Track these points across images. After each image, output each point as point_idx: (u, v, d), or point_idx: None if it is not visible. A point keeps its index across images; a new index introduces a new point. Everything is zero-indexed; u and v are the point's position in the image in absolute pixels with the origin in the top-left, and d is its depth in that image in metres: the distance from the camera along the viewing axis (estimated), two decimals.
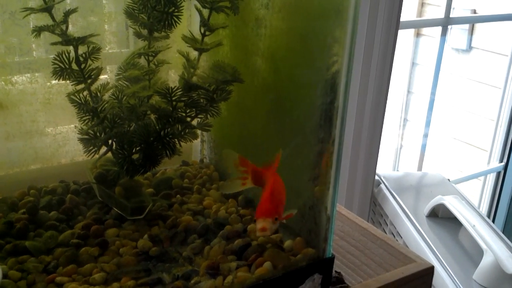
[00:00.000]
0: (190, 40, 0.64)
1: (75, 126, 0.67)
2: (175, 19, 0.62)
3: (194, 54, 0.66)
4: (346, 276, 0.68)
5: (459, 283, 1.01)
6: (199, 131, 0.70)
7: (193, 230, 0.66)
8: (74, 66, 0.61)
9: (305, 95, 0.62)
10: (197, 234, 0.65)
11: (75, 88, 0.63)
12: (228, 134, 0.77)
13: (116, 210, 0.67)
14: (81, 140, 0.65)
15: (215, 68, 0.66)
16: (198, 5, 0.63)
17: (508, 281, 0.99)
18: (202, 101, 0.66)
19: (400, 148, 2.41)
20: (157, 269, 0.59)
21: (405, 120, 2.49)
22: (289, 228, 0.67)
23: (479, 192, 2.16)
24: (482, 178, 2.11)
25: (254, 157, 0.71)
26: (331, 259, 0.64)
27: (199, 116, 0.67)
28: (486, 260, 1.01)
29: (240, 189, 0.66)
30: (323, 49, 0.59)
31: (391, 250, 0.69)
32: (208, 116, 0.68)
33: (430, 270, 0.65)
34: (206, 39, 0.65)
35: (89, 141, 0.65)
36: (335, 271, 0.68)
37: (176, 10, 0.62)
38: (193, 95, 0.65)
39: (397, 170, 2.26)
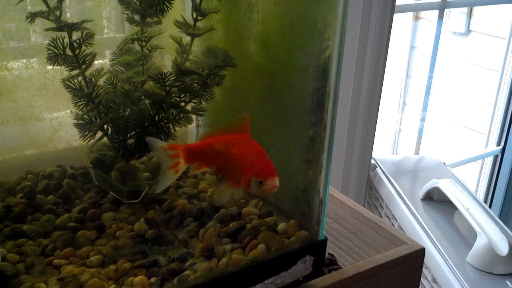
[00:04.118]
0: (182, 25, 0.64)
1: (71, 111, 0.68)
2: (167, 4, 0.63)
3: (187, 39, 0.66)
4: (339, 258, 0.69)
5: (452, 265, 1.02)
6: (194, 116, 0.71)
7: (189, 213, 0.67)
8: (68, 51, 0.61)
9: (297, 79, 0.63)
10: (193, 217, 0.66)
11: (70, 74, 0.63)
12: (223, 118, 0.78)
13: (112, 194, 0.68)
14: (76, 125, 0.66)
15: (208, 53, 0.66)
16: None
17: (501, 262, 1.00)
18: (195, 86, 0.66)
19: (399, 132, 2.42)
20: (153, 251, 0.60)
21: (404, 104, 2.49)
22: (283, 211, 0.68)
23: (476, 176, 2.17)
24: (479, 161, 2.12)
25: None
26: (324, 242, 0.65)
27: (193, 101, 0.68)
28: (480, 243, 1.02)
29: (173, 180, 0.63)
30: (315, 33, 0.59)
31: (383, 232, 0.70)
32: (202, 100, 0.68)
33: (421, 252, 0.66)
34: (199, 24, 0.66)
35: (85, 126, 0.66)
36: (328, 253, 0.69)
37: None
38: (186, 80, 0.65)
39: (396, 154, 2.27)
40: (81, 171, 0.73)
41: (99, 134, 0.68)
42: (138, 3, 0.63)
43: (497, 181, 2.11)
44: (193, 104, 0.69)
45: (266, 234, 0.63)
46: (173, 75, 0.64)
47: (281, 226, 0.66)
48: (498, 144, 2.05)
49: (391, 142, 2.27)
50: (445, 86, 2.29)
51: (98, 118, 0.66)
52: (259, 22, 0.65)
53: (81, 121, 0.65)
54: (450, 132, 2.35)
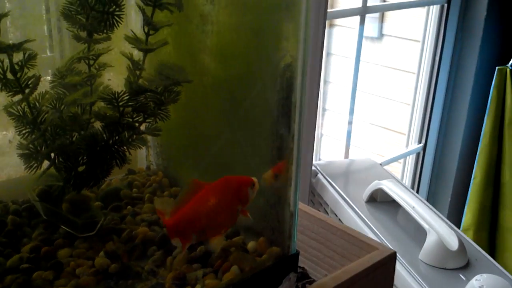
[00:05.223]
0: (133, 41, 0.60)
1: (9, 141, 0.62)
2: (117, 19, 0.59)
3: (137, 55, 0.62)
4: (310, 271, 0.68)
5: (406, 264, 1.04)
6: (148, 137, 0.66)
7: (151, 241, 0.62)
8: (9, 75, 0.55)
9: (259, 92, 0.61)
10: (156, 246, 0.62)
11: (11, 100, 0.57)
12: (176, 137, 0.74)
13: (64, 228, 0.63)
14: (21, 155, 0.60)
15: (162, 69, 0.62)
16: (140, 3, 0.60)
17: (452, 257, 1.03)
18: (150, 104, 0.62)
19: (321, 137, 2.47)
20: (120, 286, 0.56)
21: (324, 109, 2.54)
22: (251, 229, 0.65)
23: (400, 174, 2.25)
24: (401, 160, 2.20)
25: (205, 157, 0.69)
26: (296, 255, 0.63)
27: (147, 120, 0.64)
28: (430, 240, 1.05)
29: None
30: (274, 44, 0.57)
31: (352, 239, 0.69)
32: (157, 120, 0.64)
33: (393, 256, 0.66)
34: (150, 38, 0.62)
35: (30, 156, 0.60)
36: (299, 266, 0.67)
37: (117, 9, 0.58)
38: (141, 98, 0.61)
39: (319, 159, 2.31)
40: (25, 205, 0.66)
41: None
42: (84, 18, 0.58)
43: (421, 177, 2.19)
44: (147, 124, 0.65)
45: (237, 254, 0.61)
46: (127, 94, 0.59)
47: (251, 244, 0.63)
48: (419, 142, 2.13)
49: (314, 147, 2.30)
50: (364, 90, 2.36)
51: (44, 147, 0.60)
52: (214, 34, 0.62)
53: (26, 151, 0.59)
54: (372, 134, 2.42)
